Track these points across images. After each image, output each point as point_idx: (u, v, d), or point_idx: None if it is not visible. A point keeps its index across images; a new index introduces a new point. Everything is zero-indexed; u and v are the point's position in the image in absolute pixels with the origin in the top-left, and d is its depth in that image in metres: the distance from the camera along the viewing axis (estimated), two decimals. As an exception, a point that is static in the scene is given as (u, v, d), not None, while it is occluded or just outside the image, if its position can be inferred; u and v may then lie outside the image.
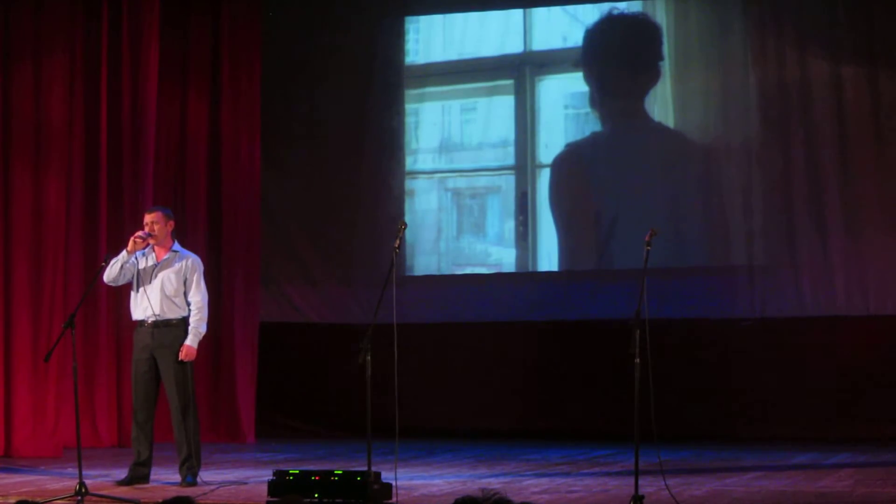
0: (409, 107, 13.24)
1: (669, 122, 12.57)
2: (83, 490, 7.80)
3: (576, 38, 12.80)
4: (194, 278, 8.70)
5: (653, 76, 12.53)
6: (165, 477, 8.77)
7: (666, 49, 12.50)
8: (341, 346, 12.80)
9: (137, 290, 8.70)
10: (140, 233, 8.64)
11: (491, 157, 13.11)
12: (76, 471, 7.88)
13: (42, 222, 10.72)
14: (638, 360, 7.22)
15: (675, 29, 12.52)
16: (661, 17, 12.57)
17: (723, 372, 12.11)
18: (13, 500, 7.66)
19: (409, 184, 13.22)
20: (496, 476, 9.22)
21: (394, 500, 7.55)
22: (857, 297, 11.86)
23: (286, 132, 13.30)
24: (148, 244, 8.69)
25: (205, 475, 8.66)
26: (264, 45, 12.73)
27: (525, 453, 10.87)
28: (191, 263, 8.73)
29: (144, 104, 11.88)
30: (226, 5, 12.52)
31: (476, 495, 4.97)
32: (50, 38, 10.79)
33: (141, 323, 8.71)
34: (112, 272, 8.63)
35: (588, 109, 12.83)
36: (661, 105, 12.57)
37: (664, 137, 12.51)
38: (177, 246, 8.81)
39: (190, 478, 8.52)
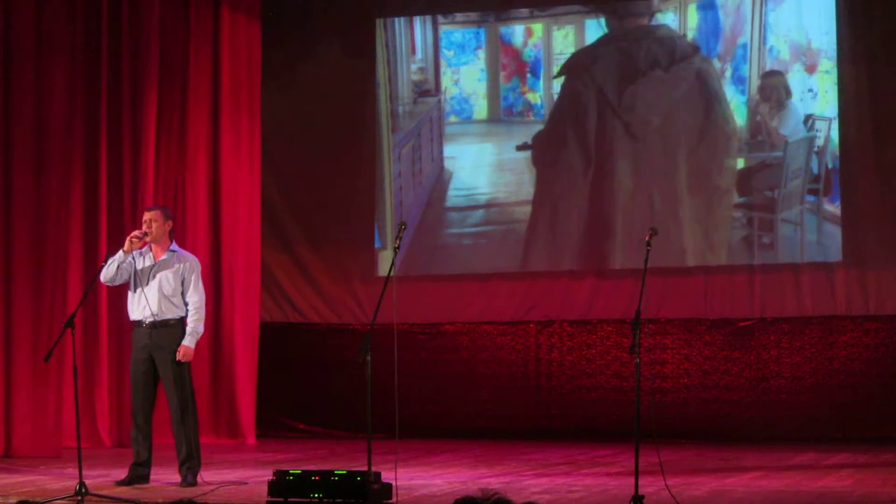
0: (410, 107, 13.29)
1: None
2: (83, 490, 7.80)
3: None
4: (192, 278, 8.69)
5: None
6: (165, 477, 8.77)
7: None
8: (341, 346, 12.84)
9: (135, 291, 8.69)
10: (136, 232, 8.64)
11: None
12: (76, 471, 7.88)
13: (42, 222, 10.72)
14: (638, 360, 7.20)
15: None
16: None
17: (722, 372, 12.11)
18: (13, 500, 7.66)
19: (410, 184, 13.26)
20: (496, 476, 9.22)
21: (394, 499, 7.55)
22: (857, 297, 11.86)
23: (286, 132, 13.31)
24: (145, 243, 8.69)
25: (205, 475, 8.66)
26: (264, 45, 12.73)
27: (525, 453, 10.87)
28: (189, 264, 8.73)
29: (144, 104, 11.90)
30: (226, 5, 12.52)
31: (476, 495, 4.96)
32: (50, 38, 10.79)
33: (139, 323, 8.70)
34: (109, 272, 8.63)
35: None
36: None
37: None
38: (174, 246, 8.80)
39: (190, 478, 8.52)
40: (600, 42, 12.04)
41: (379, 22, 13.23)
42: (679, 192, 12.30)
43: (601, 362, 12.38)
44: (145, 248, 8.72)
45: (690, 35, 12.44)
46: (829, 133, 11.98)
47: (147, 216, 8.72)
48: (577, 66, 12.43)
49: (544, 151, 12.69)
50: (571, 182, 12.57)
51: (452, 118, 13.16)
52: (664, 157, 12.35)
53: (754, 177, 12.26)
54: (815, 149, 12.05)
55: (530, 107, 12.95)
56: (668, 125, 12.36)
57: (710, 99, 12.07)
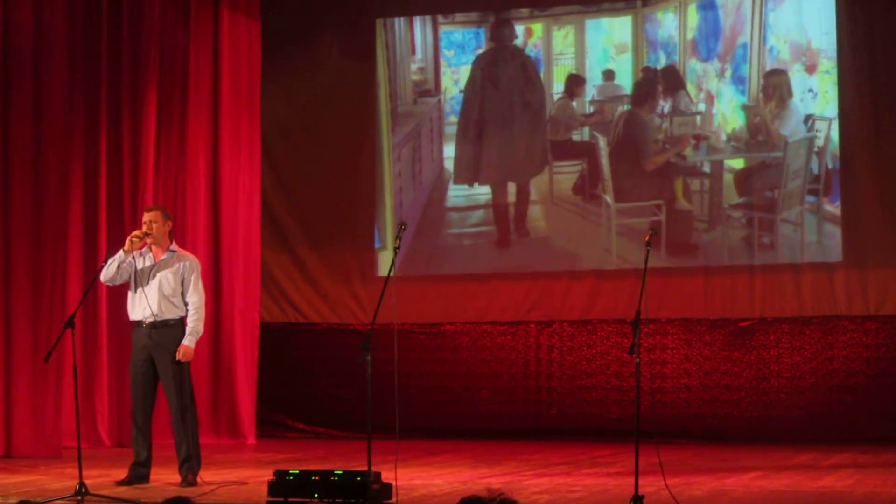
0: (409, 107, 13.31)
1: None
2: (83, 490, 7.80)
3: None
4: (192, 278, 8.69)
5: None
6: (165, 477, 8.77)
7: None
8: (341, 346, 12.84)
9: (135, 291, 8.69)
10: (137, 231, 8.64)
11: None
12: (76, 471, 7.88)
13: (42, 222, 10.71)
14: (638, 360, 7.20)
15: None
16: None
17: (722, 372, 12.11)
18: (13, 500, 7.66)
19: (409, 184, 13.27)
20: (496, 476, 9.22)
21: (394, 500, 7.55)
22: (857, 297, 11.86)
23: (286, 132, 13.31)
24: (146, 244, 8.70)
25: (205, 475, 8.66)
26: (264, 45, 12.73)
27: (525, 453, 10.87)
28: (188, 264, 8.73)
29: (144, 104, 11.90)
30: (226, 5, 12.52)
31: (482, 495, 4.95)
32: (50, 38, 10.78)
33: (139, 323, 8.70)
34: (109, 271, 8.63)
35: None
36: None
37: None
38: (174, 246, 8.80)
39: (190, 478, 8.52)
40: (488, 51, 13.06)
41: (379, 22, 13.23)
42: (514, 119, 12.80)
43: (601, 362, 12.38)
44: (145, 249, 8.72)
45: (690, 35, 12.46)
46: (829, 133, 11.98)
47: (147, 217, 8.72)
48: (476, 62, 13.05)
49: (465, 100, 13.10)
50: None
51: (452, 118, 13.17)
52: (510, 101, 12.87)
53: (754, 177, 12.26)
54: (815, 149, 12.05)
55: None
56: (510, 86, 12.90)
57: (528, 75, 12.88)
